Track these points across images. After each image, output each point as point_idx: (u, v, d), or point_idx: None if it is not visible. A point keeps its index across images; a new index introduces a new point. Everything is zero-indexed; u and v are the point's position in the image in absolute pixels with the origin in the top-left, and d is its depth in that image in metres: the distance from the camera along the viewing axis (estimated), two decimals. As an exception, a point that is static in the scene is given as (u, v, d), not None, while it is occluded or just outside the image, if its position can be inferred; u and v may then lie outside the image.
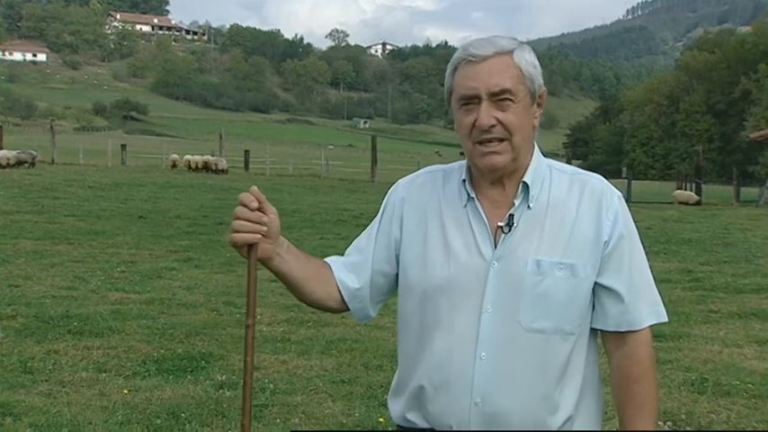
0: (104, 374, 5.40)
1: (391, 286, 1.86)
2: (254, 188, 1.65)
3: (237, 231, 1.64)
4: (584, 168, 1.85)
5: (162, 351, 6.01)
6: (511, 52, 1.68)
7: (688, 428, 4.63)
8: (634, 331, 1.72)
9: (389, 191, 1.89)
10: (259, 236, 1.64)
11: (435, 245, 1.73)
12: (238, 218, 1.64)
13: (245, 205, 1.64)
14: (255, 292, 1.68)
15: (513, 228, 1.68)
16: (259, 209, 1.65)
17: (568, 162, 34.54)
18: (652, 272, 1.78)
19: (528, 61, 1.69)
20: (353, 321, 7.08)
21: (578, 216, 1.70)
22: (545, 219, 1.69)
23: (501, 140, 1.66)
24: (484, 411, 1.66)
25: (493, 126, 1.65)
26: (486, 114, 1.64)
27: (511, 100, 1.65)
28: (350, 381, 5.39)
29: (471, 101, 1.66)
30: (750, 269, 10.90)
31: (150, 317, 7.13)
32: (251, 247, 1.65)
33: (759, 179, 38.26)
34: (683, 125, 79.26)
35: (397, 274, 1.84)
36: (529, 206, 1.70)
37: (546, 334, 1.66)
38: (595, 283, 1.71)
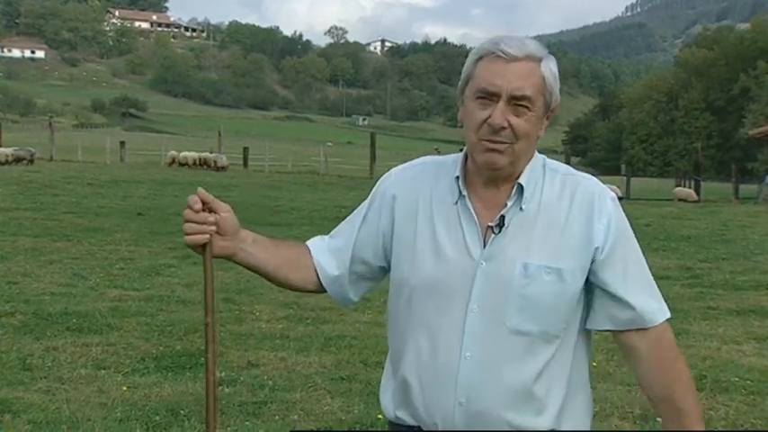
0: (103, 371, 5.41)
1: (373, 275, 1.86)
2: (200, 189, 1.70)
3: (186, 233, 1.69)
4: (583, 165, 1.85)
5: (161, 348, 6.01)
6: (540, 60, 1.67)
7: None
8: (651, 327, 1.71)
9: (381, 179, 1.88)
10: (206, 236, 1.69)
11: (424, 242, 1.73)
12: (186, 220, 1.69)
13: (190, 207, 1.68)
14: (213, 290, 1.71)
15: (503, 228, 1.67)
16: (209, 209, 1.70)
17: (567, 159, 34.61)
18: (649, 267, 1.78)
19: (552, 72, 1.68)
20: (352, 318, 7.10)
21: (569, 219, 1.68)
22: (536, 221, 1.68)
23: (505, 143, 1.65)
24: (468, 411, 1.66)
25: (504, 128, 1.63)
26: (501, 115, 1.63)
27: (528, 107, 1.64)
28: (349, 378, 5.39)
29: (490, 97, 1.64)
30: (749, 266, 10.91)
31: (149, 314, 7.13)
32: (205, 246, 1.70)
33: (758, 176, 38.26)
34: (681, 122, 79.22)
35: (382, 266, 1.84)
36: (521, 208, 1.69)
37: (531, 337, 1.66)
38: (599, 288, 1.70)
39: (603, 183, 1.78)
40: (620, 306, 1.70)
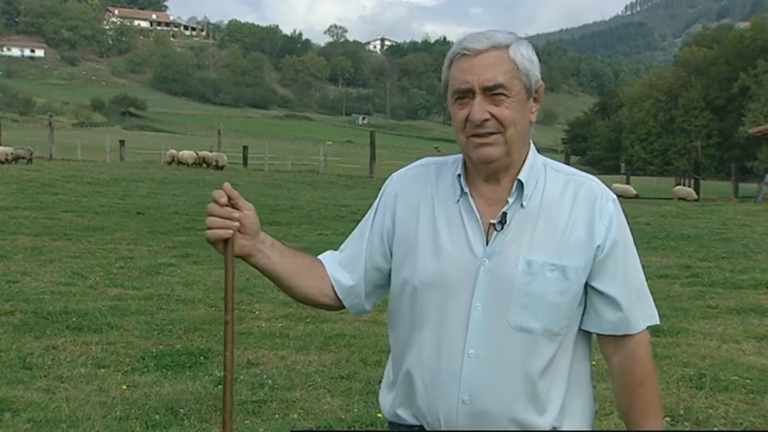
0: (103, 370, 5.41)
1: (386, 281, 1.85)
2: (226, 184, 1.67)
3: (209, 228, 1.65)
4: (583, 164, 1.84)
5: (160, 347, 6.01)
6: (507, 47, 1.66)
7: (686, 424, 4.64)
8: (632, 334, 1.72)
9: (384, 185, 1.88)
10: (230, 231, 1.65)
11: (426, 240, 1.72)
12: (210, 214, 1.65)
13: (215, 201, 1.65)
14: (233, 288, 1.68)
15: (505, 226, 1.67)
16: (233, 205, 1.66)
17: (567, 158, 34.61)
18: (645, 271, 1.77)
19: (524, 56, 1.67)
20: (352, 317, 7.09)
21: (571, 218, 1.68)
22: (538, 218, 1.68)
23: (493, 133, 1.65)
24: (471, 409, 1.65)
25: (486, 120, 1.64)
26: (480, 109, 1.63)
27: (505, 95, 1.64)
28: (348, 376, 5.40)
29: (465, 95, 1.65)
30: (748, 265, 10.91)
31: (149, 313, 7.14)
32: (227, 242, 1.66)
33: (757, 175, 38.29)
34: (681, 121, 79.32)
35: (391, 269, 1.82)
36: (522, 205, 1.68)
37: (534, 334, 1.65)
38: (590, 287, 1.70)
39: (612, 184, 1.77)
40: (610, 306, 1.70)
